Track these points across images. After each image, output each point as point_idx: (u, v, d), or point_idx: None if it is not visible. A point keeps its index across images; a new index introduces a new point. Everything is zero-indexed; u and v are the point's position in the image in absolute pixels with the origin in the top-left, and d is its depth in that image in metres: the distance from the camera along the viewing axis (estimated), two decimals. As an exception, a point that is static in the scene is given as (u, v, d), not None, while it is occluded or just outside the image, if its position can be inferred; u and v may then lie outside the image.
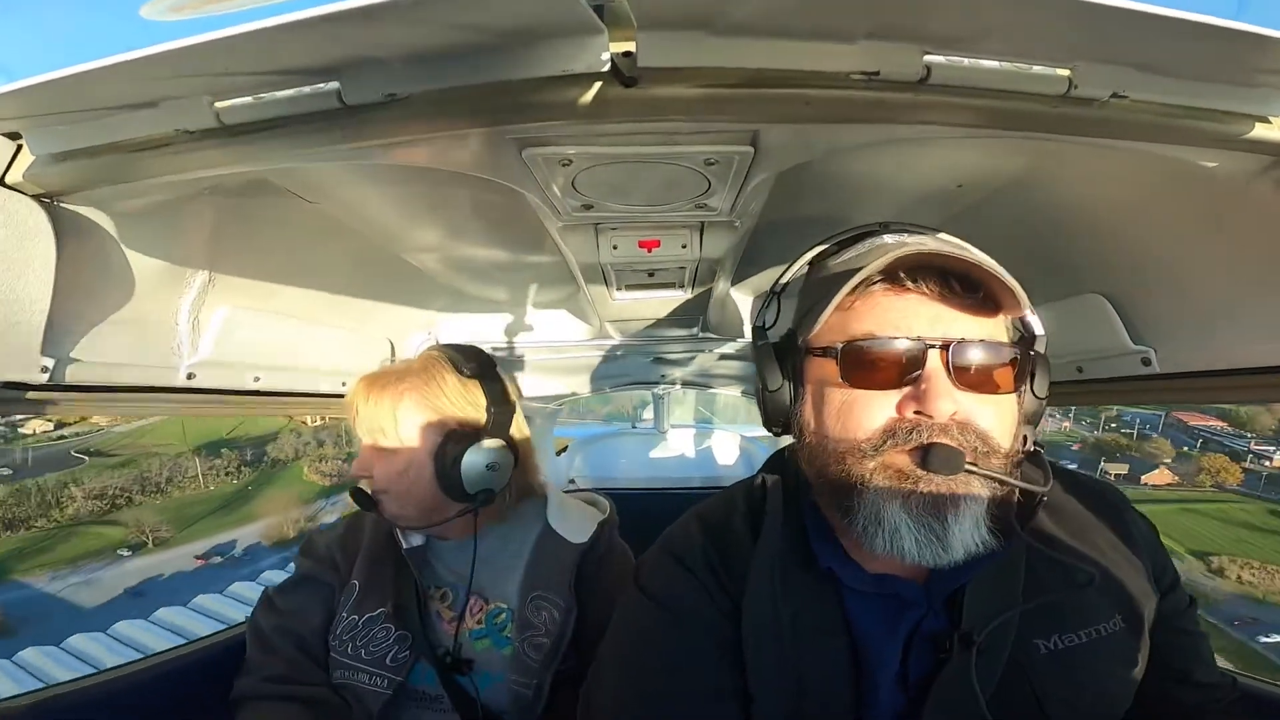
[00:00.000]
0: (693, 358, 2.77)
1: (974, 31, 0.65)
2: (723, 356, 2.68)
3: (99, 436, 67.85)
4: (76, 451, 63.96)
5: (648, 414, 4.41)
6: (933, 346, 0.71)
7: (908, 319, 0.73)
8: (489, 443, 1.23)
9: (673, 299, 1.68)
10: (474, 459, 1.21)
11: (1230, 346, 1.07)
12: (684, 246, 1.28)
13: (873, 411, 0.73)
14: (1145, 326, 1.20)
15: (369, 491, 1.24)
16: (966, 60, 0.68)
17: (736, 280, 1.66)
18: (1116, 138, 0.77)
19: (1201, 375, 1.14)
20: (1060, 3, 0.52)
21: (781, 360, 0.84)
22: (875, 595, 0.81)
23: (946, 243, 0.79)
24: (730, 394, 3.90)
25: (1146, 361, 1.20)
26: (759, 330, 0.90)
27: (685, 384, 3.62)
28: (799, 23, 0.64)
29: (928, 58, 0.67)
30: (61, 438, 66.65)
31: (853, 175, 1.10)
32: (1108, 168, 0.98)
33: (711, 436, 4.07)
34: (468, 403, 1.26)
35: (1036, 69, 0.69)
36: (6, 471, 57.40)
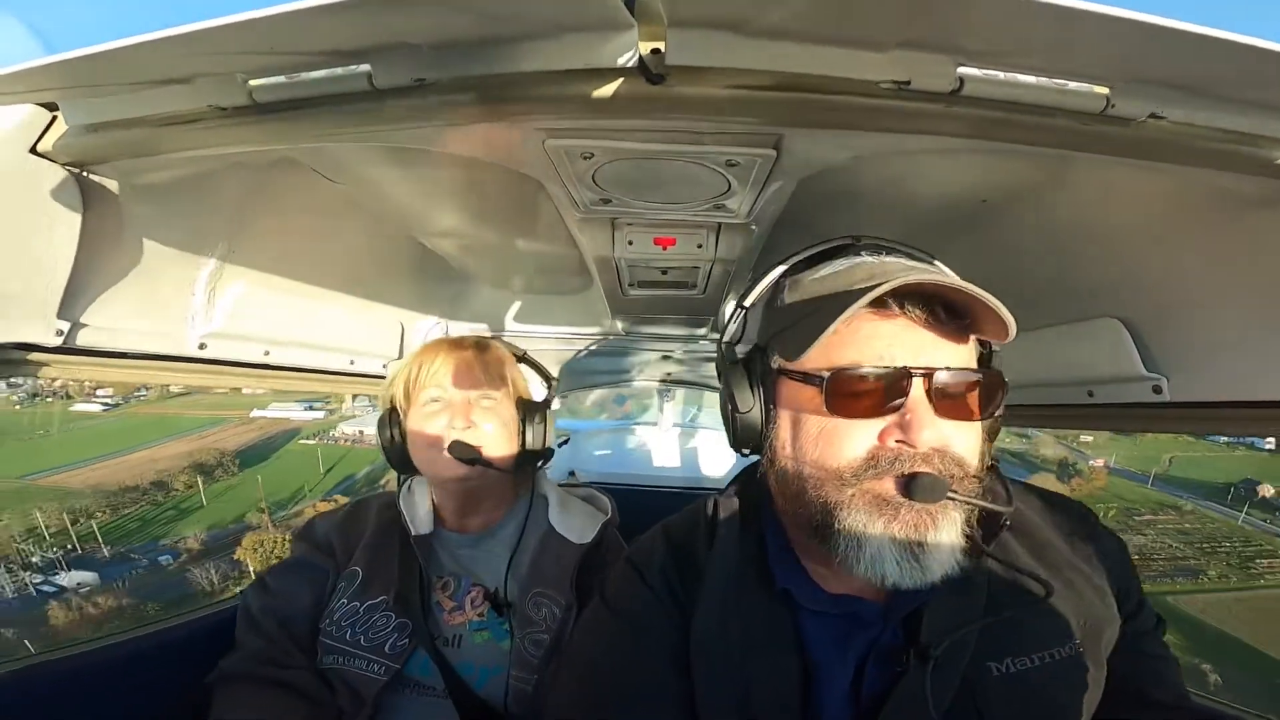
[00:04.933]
0: (701, 358, 2.77)
1: (1011, 46, 0.64)
2: None
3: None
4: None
5: (649, 411, 4.41)
6: (916, 375, 0.71)
7: (893, 347, 0.73)
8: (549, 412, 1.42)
9: (685, 298, 1.68)
10: (551, 420, 1.42)
11: (1244, 379, 1.06)
12: (699, 246, 1.28)
13: (855, 440, 0.73)
14: (1159, 354, 1.19)
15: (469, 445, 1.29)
16: (1002, 74, 0.67)
17: (751, 284, 1.66)
18: (1151, 159, 0.76)
19: (1212, 406, 1.13)
20: (1103, 20, 0.51)
21: (752, 380, 0.83)
22: (830, 615, 0.81)
23: (930, 269, 0.79)
24: None
25: (1158, 389, 1.19)
26: (729, 347, 0.89)
27: (691, 384, 3.62)
28: (832, 29, 0.64)
29: (961, 70, 0.66)
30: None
31: (876, 184, 1.10)
32: (1136, 189, 0.97)
33: (713, 436, 4.06)
34: (525, 380, 1.47)
35: (1073, 86, 0.68)
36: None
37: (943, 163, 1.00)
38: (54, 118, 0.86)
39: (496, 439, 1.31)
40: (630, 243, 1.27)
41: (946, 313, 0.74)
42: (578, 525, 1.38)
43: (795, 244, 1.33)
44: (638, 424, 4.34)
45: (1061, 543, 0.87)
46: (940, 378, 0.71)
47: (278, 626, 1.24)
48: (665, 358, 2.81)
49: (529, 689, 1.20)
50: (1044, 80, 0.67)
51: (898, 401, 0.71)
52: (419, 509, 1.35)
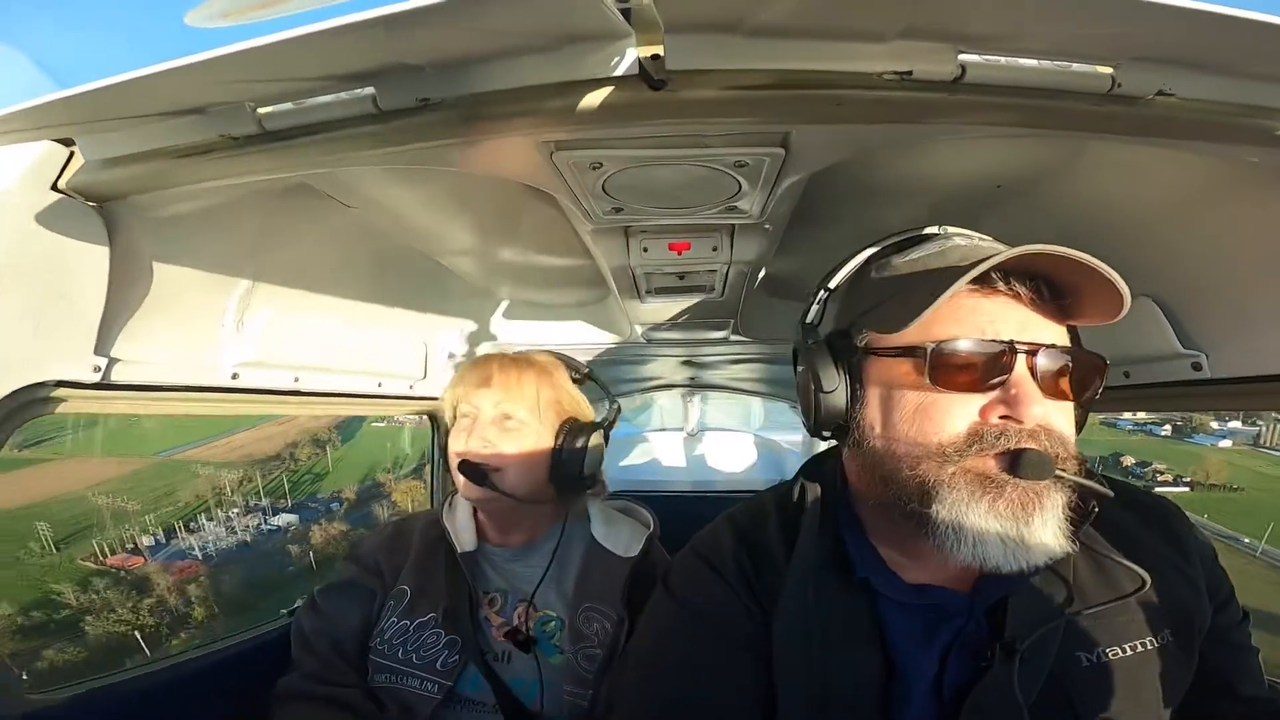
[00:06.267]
0: (723, 361, 2.76)
1: (1010, 30, 0.63)
2: (753, 360, 2.66)
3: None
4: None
5: (673, 417, 4.40)
6: (1022, 351, 0.69)
7: (996, 323, 0.71)
8: (599, 435, 1.34)
9: (703, 302, 1.67)
10: (597, 444, 1.32)
11: None
12: (714, 249, 1.27)
13: (956, 415, 0.70)
14: (1196, 330, 1.16)
15: (479, 465, 1.26)
16: (1003, 59, 0.66)
17: (768, 283, 1.65)
18: (1164, 136, 0.74)
19: (1256, 380, 1.09)
20: (1101, 1, 0.50)
21: (836, 360, 0.81)
22: (913, 605, 0.79)
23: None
24: (755, 398, 3.87)
25: (1197, 366, 1.15)
26: (809, 329, 0.87)
27: (715, 388, 3.60)
28: (828, 23, 0.63)
29: (962, 57, 0.65)
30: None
31: (887, 176, 1.09)
32: (1154, 166, 0.94)
33: (736, 439, 4.03)
34: (581, 400, 1.40)
35: (1077, 67, 0.67)
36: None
37: (954, 150, 0.99)
38: (71, 154, 0.89)
39: (514, 461, 1.26)
40: (645, 250, 1.27)
41: (1051, 292, 0.72)
42: (623, 539, 1.36)
43: (811, 241, 1.34)
44: (664, 430, 4.34)
45: (1149, 535, 0.84)
46: (1045, 355, 0.70)
47: (330, 646, 1.25)
48: (687, 362, 2.80)
49: (585, 704, 1.20)
50: (1046, 63, 0.66)
51: (1001, 378, 0.69)
52: (461, 525, 1.35)
